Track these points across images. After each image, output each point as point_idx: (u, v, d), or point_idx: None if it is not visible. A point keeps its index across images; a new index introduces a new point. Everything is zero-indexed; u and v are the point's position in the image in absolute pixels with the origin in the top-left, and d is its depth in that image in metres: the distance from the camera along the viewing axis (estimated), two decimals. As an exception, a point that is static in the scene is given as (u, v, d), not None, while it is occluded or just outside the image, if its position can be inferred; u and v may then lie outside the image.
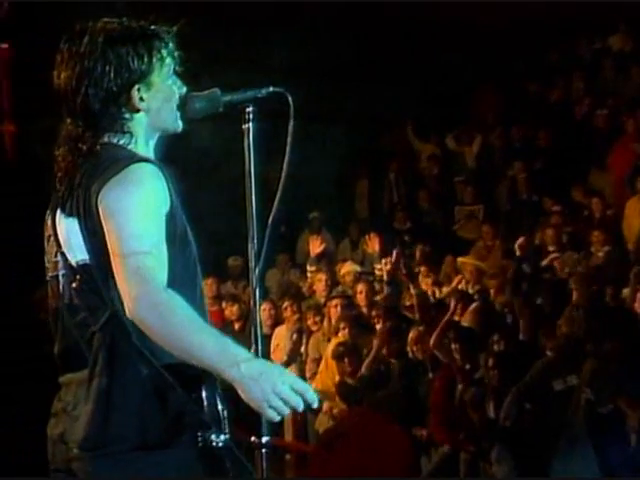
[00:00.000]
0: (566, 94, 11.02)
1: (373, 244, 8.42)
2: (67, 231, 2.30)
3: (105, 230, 2.20)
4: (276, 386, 2.09)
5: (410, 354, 6.52)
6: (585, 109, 10.50)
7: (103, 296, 2.25)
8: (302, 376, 7.33)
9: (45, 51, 2.59)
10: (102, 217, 2.20)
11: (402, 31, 10.92)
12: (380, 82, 10.87)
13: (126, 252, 2.16)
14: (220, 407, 2.22)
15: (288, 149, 2.38)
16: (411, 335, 6.57)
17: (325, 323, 7.38)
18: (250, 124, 2.39)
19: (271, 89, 2.42)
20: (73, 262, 2.29)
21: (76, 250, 2.28)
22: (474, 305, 6.95)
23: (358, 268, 8.57)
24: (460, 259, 8.21)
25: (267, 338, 7.28)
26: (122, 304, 2.19)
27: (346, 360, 6.67)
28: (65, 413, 2.30)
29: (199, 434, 2.19)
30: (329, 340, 7.26)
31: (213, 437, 2.19)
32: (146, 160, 2.26)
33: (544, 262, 8.07)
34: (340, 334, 7.06)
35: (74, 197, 2.29)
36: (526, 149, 10.62)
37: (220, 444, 2.20)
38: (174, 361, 2.17)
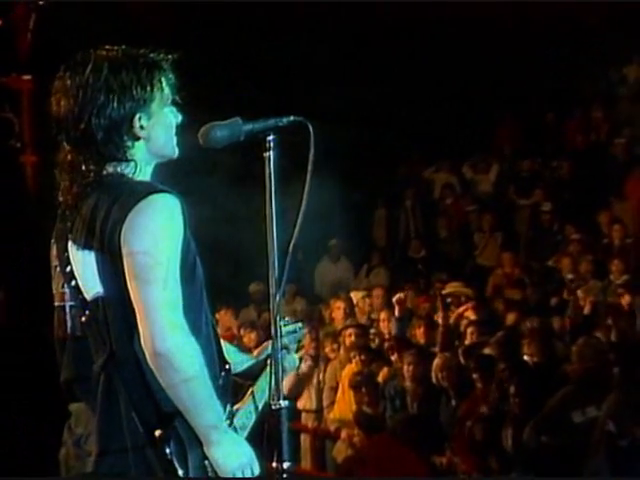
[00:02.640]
0: (584, 123, 11.04)
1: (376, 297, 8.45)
2: (82, 263, 2.28)
3: (125, 259, 2.20)
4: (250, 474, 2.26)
5: (434, 380, 6.49)
6: (603, 138, 10.52)
7: (105, 334, 2.25)
8: (319, 404, 7.33)
9: (54, 82, 2.61)
10: (124, 247, 2.20)
11: (419, 60, 10.98)
12: (395, 112, 10.92)
13: (151, 280, 2.17)
14: (181, 472, 2.21)
15: (309, 177, 2.39)
16: (437, 362, 6.55)
17: (342, 351, 7.38)
18: (271, 152, 2.42)
19: (292, 118, 2.44)
20: (87, 296, 2.28)
21: (92, 283, 2.27)
22: (498, 335, 6.92)
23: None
24: (448, 287, 8.12)
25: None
26: (124, 339, 2.21)
27: (364, 389, 6.65)
28: (77, 446, 2.32)
29: None
30: (344, 367, 7.25)
31: None
32: (165, 190, 2.27)
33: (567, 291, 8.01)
34: (354, 362, 7.05)
35: (88, 229, 2.27)
36: (544, 178, 10.63)
37: None
38: (149, 412, 2.21)
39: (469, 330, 7.05)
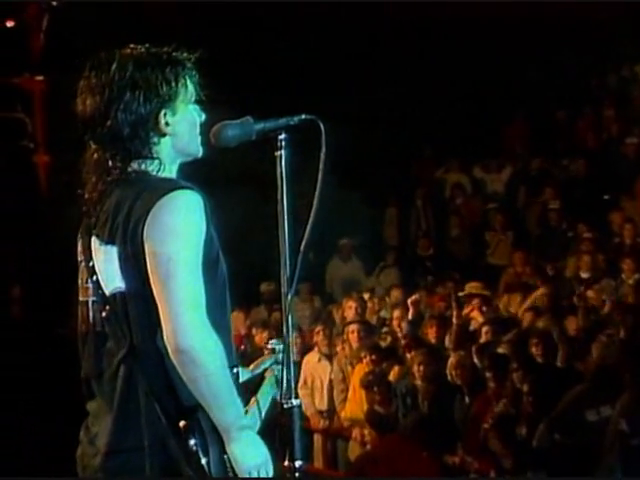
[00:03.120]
0: (595, 122, 11.01)
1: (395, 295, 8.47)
2: (104, 259, 2.30)
3: (148, 255, 2.21)
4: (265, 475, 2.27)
5: (449, 378, 6.50)
6: (614, 136, 10.48)
7: (126, 328, 2.26)
8: (331, 403, 7.34)
9: (79, 83, 2.63)
10: (147, 243, 2.21)
11: (430, 60, 10.97)
12: (406, 110, 10.92)
13: (173, 276, 2.18)
14: (204, 460, 2.22)
15: (320, 176, 2.39)
16: (451, 360, 6.55)
17: (347, 349, 7.38)
18: (282, 151, 2.42)
19: (303, 117, 2.45)
20: (107, 291, 2.30)
21: (111, 278, 2.29)
22: (510, 334, 6.91)
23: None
24: (468, 287, 8.14)
25: (296, 365, 7.28)
26: (146, 334, 2.23)
27: (375, 389, 6.65)
28: (92, 445, 2.32)
29: None
30: (352, 365, 7.25)
31: None
32: (187, 187, 2.28)
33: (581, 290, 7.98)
34: (364, 362, 7.06)
35: (111, 224, 2.29)
36: (555, 176, 10.60)
37: None
38: (172, 405, 2.22)
39: (484, 329, 7.05)
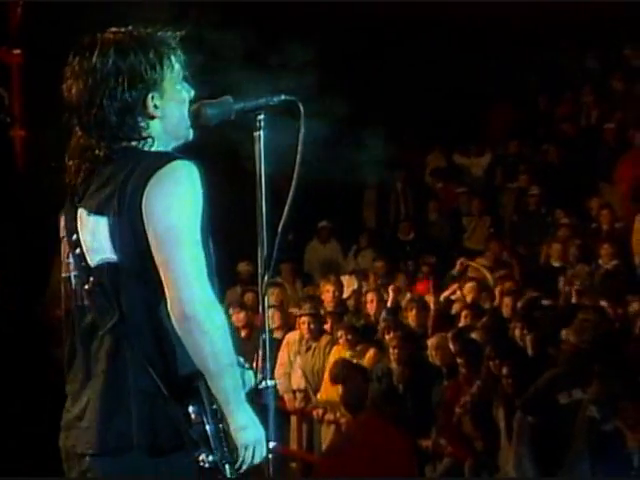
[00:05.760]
0: (575, 107, 11.04)
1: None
2: (91, 230, 2.28)
3: (149, 225, 2.19)
4: (260, 453, 2.28)
5: (430, 359, 6.52)
6: (593, 122, 10.52)
7: (113, 299, 2.25)
8: (307, 385, 7.34)
9: (57, 57, 2.59)
10: (149, 212, 2.20)
11: (411, 46, 10.94)
12: (389, 92, 10.90)
13: (179, 244, 2.18)
14: (208, 427, 2.23)
15: (299, 158, 2.39)
16: (432, 341, 6.57)
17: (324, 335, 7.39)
18: (261, 131, 2.41)
19: (283, 97, 2.44)
20: (91, 263, 2.28)
21: (98, 249, 2.27)
22: (484, 320, 6.94)
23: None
24: (472, 263, 8.25)
25: (277, 342, 7.30)
26: (138, 303, 2.22)
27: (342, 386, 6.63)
28: (75, 427, 2.30)
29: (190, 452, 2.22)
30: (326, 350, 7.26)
31: (202, 457, 2.22)
32: (185, 158, 2.27)
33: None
34: (341, 343, 7.06)
35: (102, 195, 2.26)
36: (534, 162, 10.63)
37: (207, 465, 2.22)
38: (168, 373, 2.22)
39: (463, 313, 7.08)
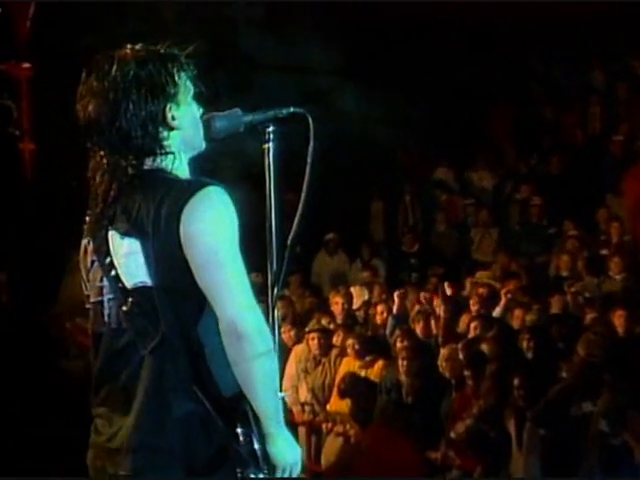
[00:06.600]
0: (582, 119, 11.05)
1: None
2: (126, 252, 2.28)
3: (191, 249, 2.21)
4: (295, 473, 2.33)
5: (440, 370, 6.51)
6: (600, 134, 10.52)
7: (154, 320, 2.25)
8: (315, 397, 7.33)
9: (65, 71, 2.60)
10: (187, 237, 2.21)
11: (416, 57, 10.96)
12: (393, 104, 10.91)
13: (223, 264, 2.22)
14: (257, 446, 2.27)
15: (308, 170, 2.40)
16: (443, 352, 6.56)
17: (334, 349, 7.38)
18: (271, 144, 2.43)
19: (292, 110, 2.45)
20: (128, 285, 2.28)
21: (134, 272, 2.27)
22: (493, 332, 6.92)
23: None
24: (478, 275, 8.23)
25: (285, 354, 7.29)
26: (176, 325, 2.23)
27: (352, 397, 6.63)
28: (110, 449, 2.28)
29: (238, 470, 2.25)
30: (336, 363, 7.25)
31: (252, 475, 2.26)
32: (215, 183, 2.30)
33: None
34: (349, 352, 7.04)
35: (134, 218, 2.27)
36: (540, 173, 10.63)
37: None
38: (212, 394, 2.23)
39: (472, 325, 7.05)
